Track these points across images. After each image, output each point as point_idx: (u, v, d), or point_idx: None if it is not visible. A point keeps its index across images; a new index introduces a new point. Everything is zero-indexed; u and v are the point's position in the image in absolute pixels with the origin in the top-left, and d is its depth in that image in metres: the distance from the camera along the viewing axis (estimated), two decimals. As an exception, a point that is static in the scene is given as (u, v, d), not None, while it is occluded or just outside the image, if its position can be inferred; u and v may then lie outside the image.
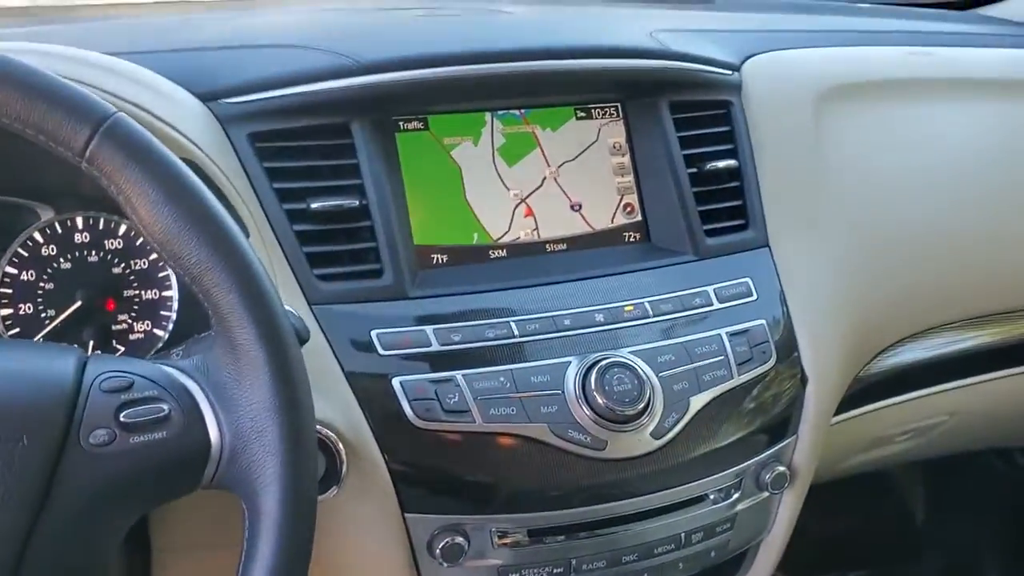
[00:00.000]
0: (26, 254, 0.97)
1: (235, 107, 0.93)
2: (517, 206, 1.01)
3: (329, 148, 0.94)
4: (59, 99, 0.59)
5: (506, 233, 1.00)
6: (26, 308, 0.97)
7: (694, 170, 1.05)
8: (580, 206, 1.03)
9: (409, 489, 0.86)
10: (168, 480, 0.62)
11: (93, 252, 0.99)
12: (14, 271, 0.97)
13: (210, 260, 0.61)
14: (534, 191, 1.02)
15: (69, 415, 0.59)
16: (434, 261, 0.97)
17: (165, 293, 1.01)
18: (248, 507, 0.62)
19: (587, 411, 0.86)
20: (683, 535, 0.93)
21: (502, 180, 1.01)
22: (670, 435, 0.89)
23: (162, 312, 1.01)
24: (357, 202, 0.93)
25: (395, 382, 0.85)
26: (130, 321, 0.99)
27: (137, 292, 1.00)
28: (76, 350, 0.64)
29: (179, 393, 0.63)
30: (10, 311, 0.96)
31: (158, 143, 0.61)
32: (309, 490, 0.62)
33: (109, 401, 0.61)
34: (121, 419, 0.60)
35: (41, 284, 0.97)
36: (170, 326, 1.00)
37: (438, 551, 0.86)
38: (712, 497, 0.95)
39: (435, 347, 0.88)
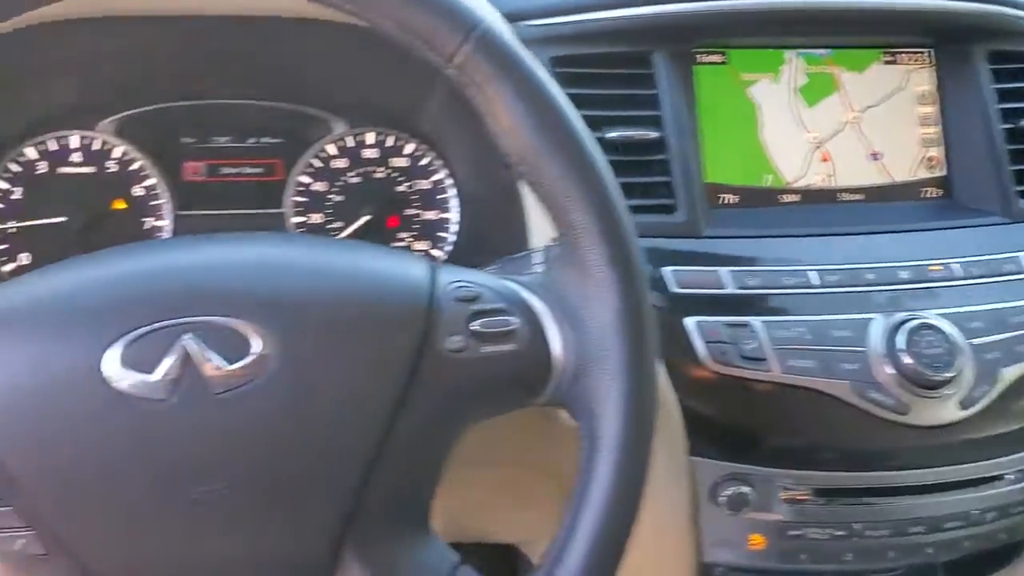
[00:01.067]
0: (320, 165, 0.99)
1: (538, 30, 0.91)
2: (815, 150, 0.96)
3: (628, 77, 0.91)
4: (437, 4, 0.58)
5: (801, 178, 0.95)
6: (317, 218, 0.99)
7: (1010, 126, 0.96)
8: (880, 155, 0.97)
9: (698, 432, 0.83)
10: (512, 392, 0.62)
11: (380, 169, 1.00)
12: (307, 180, 0.99)
13: (568, 177, 0.59)
14: (833, 135, 0.96)
15: (427, 318, 0.59)
16: (722, 201, 0.94)
17: (445, 215, 1.01)
18: (585, 428, 0.60)
19: (892, 372, 0.81)
20: (975, 512, 0.87)
21: (801, 121, 0.96)
22: (977, 407, 0.83)
23: (440, 234, 1.01)
24: (654, 134, 0.90)
25: (689, 322, 0.83)
26: (410, 240, 1.00)
27: (418, 212, 1.01)
28: (424, 257, 0.64)
29: (524, 309, 0.62)
30: (303, 219, 0.99)
31: (527, 56, 0.60)
32: (649, 419, 0.60)
33: (461, 309, 0.60)
34: (473, 328, 0.60)
35: (331, 196, 0.99)
36: (448, 248, 1.00)
37: (722, 498, 0.83)
38: (1011, 477, 0.88)
39: (730, 289, 0.85)
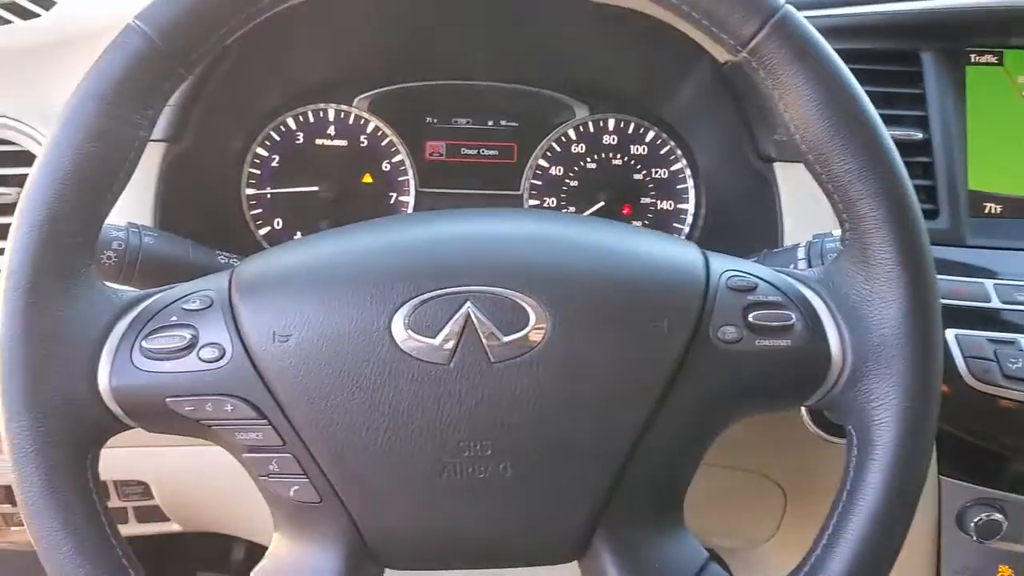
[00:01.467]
0: (558, 149, 1.00)
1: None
2: (1095, 161, 0.89)
3: (896, 75, 0.87)
4: None
5: (1076, 191, 0.88)
6: (551, 201, 1.00)
7: None
8: None
9: (947, 451, 0.79)
10: (783, 391, 0.60)
11: (618, 155, 1.00)
12: (545, 164, 1.00)
13: (862, 169, 0.56)
14: (1119, 147, 0.89)
15: (701, 307, 0.58)
16: (987, 210, 0.88)
17: (681, 205, 1.00)
18: (858, 434, 0.58)
19: None
20: None
21: (1080, 129, 0.89)
22: None
23: (675, 224, 1.00)
24: (919, 135, 0.85)
25: (948, 334, 0.78)
26: (643, 229, 0.99)
27: (654, 201, 1.00)
28: (693, 244, 0.63)
29: (801, 303, 0.59)
30: (537, 202, 1.00)
31: (824, 42, 0.58)
32: (930, 431, 0.57)
33: (737, 299, 0.59)
34: (749, 319, 0.58)
35: (567, 180, 1.00)
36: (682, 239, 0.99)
37: (971, 524, 0.78)
38: None
39: (995, 303, 0.80)
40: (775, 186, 0.85)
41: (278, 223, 0.98)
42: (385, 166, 0.99)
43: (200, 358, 0.57)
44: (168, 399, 0.58)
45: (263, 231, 0.98)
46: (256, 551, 1.22)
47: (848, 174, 0.57)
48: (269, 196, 0.98)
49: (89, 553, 0.56)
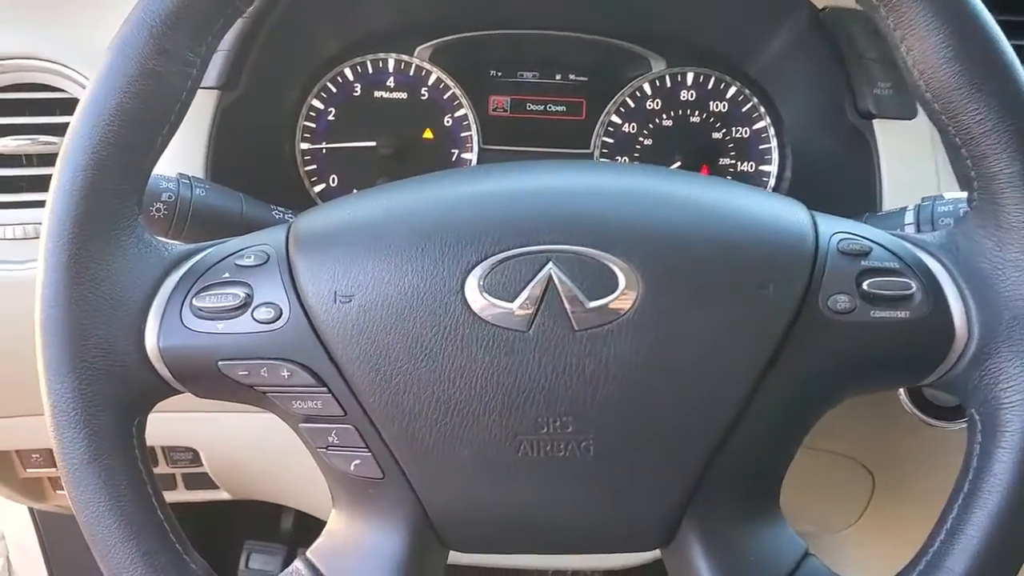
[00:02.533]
0: (632, 105, 0.93)
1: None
2: None
3: None
4: None
5: None
6: (623, 160, 0.93)
7: None
8: None
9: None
10: (900, 367, 0.54)
11: (696, 112, 0.93)
12: (618, 120, 0.93)
13: (997, 121, 0.49)
14: None
15: (810, 272, 0.52)
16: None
17: (763, 167, 0.93)
18: (984, 420, 0.51)
19: None
20: None
21: None
22: None
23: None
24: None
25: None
26: (721, 191, 0.93)
27: (733, 162, 0.93)
28: (800, 203, 0.56)
29: (921, 271, 0.53)
30: (608, 160, 0.94)
31: None
32: None
33: (849, 265, 0.52)
34: (863, 287, 0.52)
35: (640, 139, 0.93)
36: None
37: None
38: None
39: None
40: (874, 145, 0.78)
41: (333, 180, 0.93)
42: (447, 121, 0.93)
43: (255, 318, 0.53)
44: (220, 362, 0.53)
45: (318, 188, 0.93)
46: (306, 521, 1.19)
47: (980, 125, 0.50)
48: (324, 151, 0.93)
49: (134, 527, 0.52)
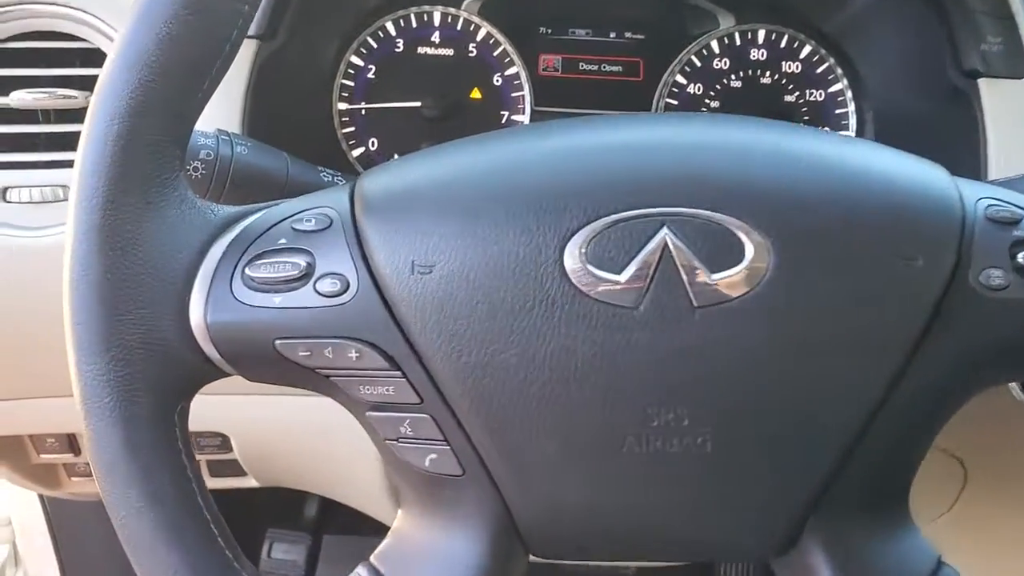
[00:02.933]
0: (699, 64, 0.86)
1: None
2: None
3: None
4: None
5: None
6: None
7: None
8: None
9: None
10: None
11: (767, 73, 0.86)
12: (683, 81, 0.86)
13: None
14: None
15: (959, 242, 0.45)
16: None
17: (840, 132, 0.86)
18: None
19: None
20: None
21: None
22: None
23: (830, 155, 0.86)
24: None
25: None
26: (793, 160, 0.86)
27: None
28: (938, 164, 0.49)
29: None
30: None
31: None
32: None
33: (1000, 235, 0.46)
34: (1018, 260, 0.45)
35: (707, 100, 0.86)
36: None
37: None
38: None
39: None
40: (978, 107, 0.71)
41: (373, 143, 0.86)
42: (496, 80, 0.86)
43: (318, 291, 0.46)
44: (278, 341, 0.46)
45: (356, 152, 0.86)
46: (331, 508, 1.13)
47: None
48: (363, 112, 0.86)
49: (177, 531, 0.45)
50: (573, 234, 0.43)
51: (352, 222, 0.47)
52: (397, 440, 0.47)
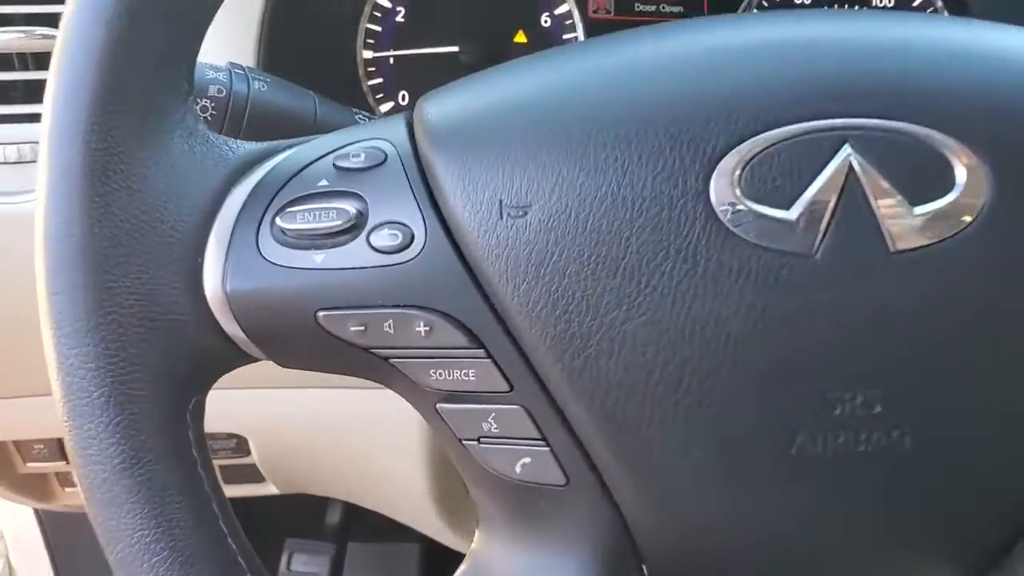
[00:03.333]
0: (778, 0, 0.75)
1: None
2: None
3: None
4: None
5: None
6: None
7: None
8: None
9: None
10: None
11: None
12: (760, 18, 0.75)
13: None
14: None
15: None
16: None
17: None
18: None
19: None
20: None
21: None
22: None
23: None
24: None
25: None
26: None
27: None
28: None
29: None
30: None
31: None
32: None
33: None
34: None
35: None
36: None
37: None
38: None
39: None
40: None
41: (403, 97, 0.74)
42: (544, 20, 0.74)
43: (372, 246, 0.35)
44: (321, 313, 0.35)
45: (384, 107, 0.74)
46: (357, 514, 1.02)
47: None
48: (392, 61, 0.74)
49: (194, 562, 0.34)
50: (721, 157, 0.32)
51: (414, 156, 0.36)
52: (478, 440, 0.36)
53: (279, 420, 0.68)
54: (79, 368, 0.34)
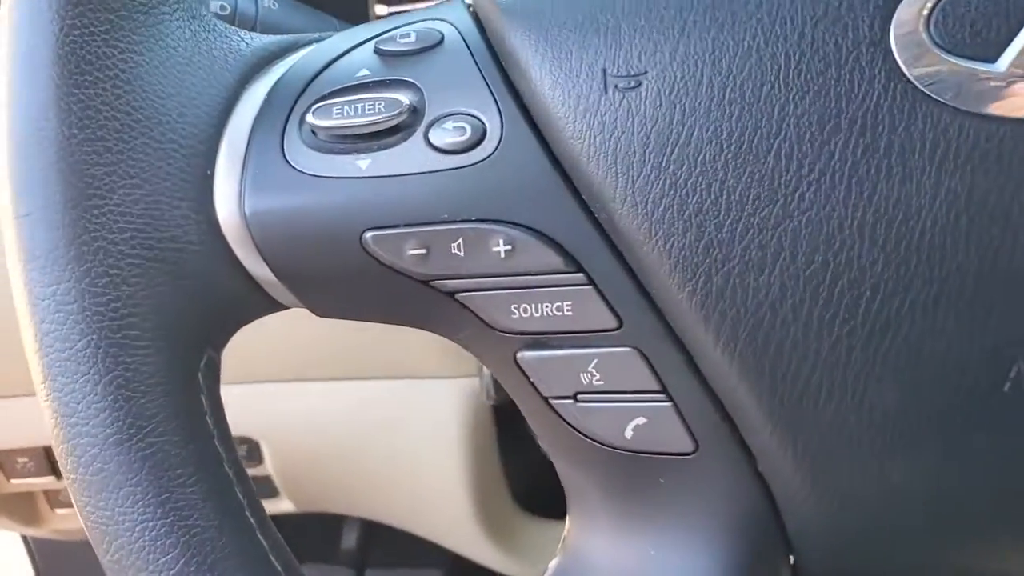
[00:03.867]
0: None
1: None
2: None
3: None
4: None
5: None
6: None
7: None
8: None
9: None
10: None
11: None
12: None
13: None
14: None
15: None
16: None
17: None
18: None
19: None
20: None
21: None
22: None
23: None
24: None
25: None
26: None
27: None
28: None
29: None
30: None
31: None
32: None
33: None
34: None
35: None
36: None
37: None
38: None
39: None
40: None
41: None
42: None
43: (432, 144, 0.27)
44: (368, 234, 0.27)
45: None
46: (376, 535, 0.94)
47: None
48: None
49: (216, 563, 0.26)
50: None
51: (479, 32, 0.28)
52: (574, 398, 0.28)
53: (296, 420, 0.59)
54: (57, 311, 0.25)
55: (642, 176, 0.25)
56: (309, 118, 0.27)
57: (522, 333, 0.27)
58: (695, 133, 0.25)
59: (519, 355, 0.28)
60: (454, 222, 0.26)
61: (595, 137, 0.25)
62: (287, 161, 0.27)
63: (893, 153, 0.24)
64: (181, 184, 0.27)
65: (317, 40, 0.30)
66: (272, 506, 0.72)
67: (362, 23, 0.63)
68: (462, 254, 0.26)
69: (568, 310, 0.26)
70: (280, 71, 0.29)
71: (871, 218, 0.24)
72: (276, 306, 0.30)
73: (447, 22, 0.29)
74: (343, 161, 0.27)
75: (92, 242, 0.26)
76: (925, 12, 0.24)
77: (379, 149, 0.27)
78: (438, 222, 0.26)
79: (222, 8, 0.40)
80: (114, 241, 0.26)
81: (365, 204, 0.27)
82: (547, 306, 0.27)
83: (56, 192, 0.25)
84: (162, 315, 0.26)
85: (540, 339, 0.27)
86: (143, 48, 0.27)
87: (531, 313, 0.27)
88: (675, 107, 0.25)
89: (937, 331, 0.24)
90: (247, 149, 0.27)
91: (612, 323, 0.26)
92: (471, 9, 0.29)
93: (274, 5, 0.41)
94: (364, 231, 0.27)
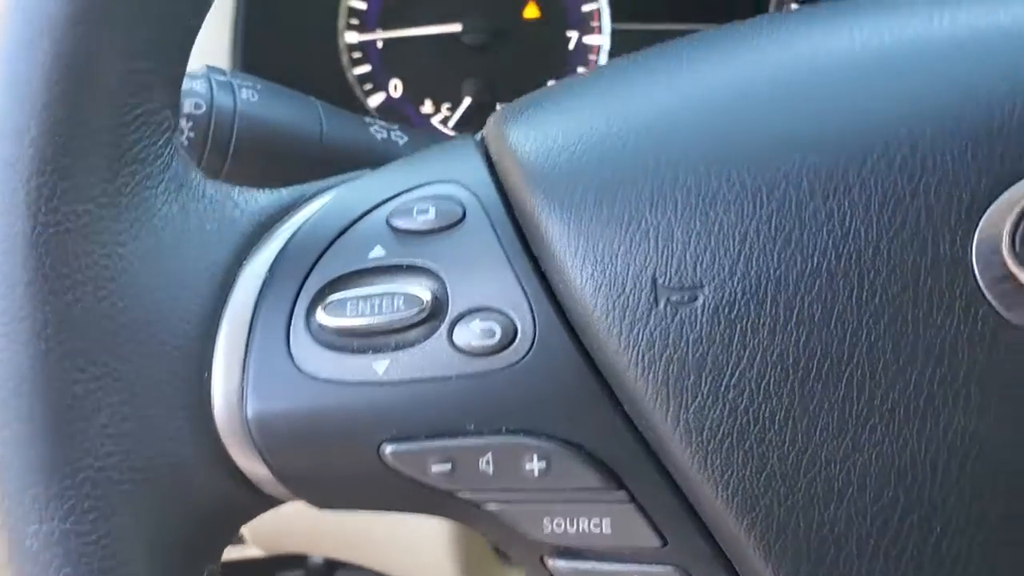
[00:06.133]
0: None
1: None
2: None
3: None
4: None
5: None
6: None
7: None
8: None
9: None
10: None
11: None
12: (810, -17, 0.65)
13: None
14: None
15: None
16: None
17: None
18: None
19: None
20: None
21: None
22: None
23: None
24: None
25: None
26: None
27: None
28: None
29: None
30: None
31: None
32: None
33: None
34: None
35: None
36: None
37: None
38: None
39: None
40: None
41: (396, 87, 0.63)
42: (560, -9, 0.63)
43: (456, 345, 0.24)
44: (388, 447, 0.24)
45: (375, 101, 0.62)
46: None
47: None
48: (380, 45, 0.62)
49: None
50: (987, 206, 0.22)
51: (505, 209, 0.25)
52: None
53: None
54: (40, 554, 0.22)
55: (697, 400, 0.23)
56: (319, 315, 0.24)
57: (555, 545, 0.25)
58: (757, 357, 0.22)
59: (550, 562, 0.26)
60: (481, 434, 0.24)
61: (644, 354, 0.23)
62: (292, 361, 0.24)
63: (972, 384, 0.22)
64: (174, 392, 0.24)
65: (318, 193, 0.27)
66: (238, 553, 0.70)
67: (343, 94, 0.59)
68: (491, 472, 0.24)
69: (607, 527, 0.24)
70: (280, 241, 0.26)
71: (945, 453, 0.22)
72: (273, 502, 0.27)
73: (465, 188, 0.26)
74: (357, 363, 0.24)
75: (75, 474, 0.23)
76: (1008, 227, 0.22)
77: (397, 348, 0.24)
78: (464, 434, 0.24)
79: (196, 106, 0.36)
80: (101, 468, 0.23)
81: (382, 414, 0.24)
82: (584, 522, 0.24)
83: (34, 396, 0.22)
84: (157, 542, 0.24)
85: (575, 550, 0.25)
86: (127, 238, 0.23)
87: (565, 529, 0.25)
88: (735, 327, 0.22)
89: (1015, 566, 0.23)
90: (248, 344, 0.24)
91: (655, 542, 0.24)
92: (488, 158, 0.26)
93: (253, 96, 0.38)
94: (381, 442, 0.24)
